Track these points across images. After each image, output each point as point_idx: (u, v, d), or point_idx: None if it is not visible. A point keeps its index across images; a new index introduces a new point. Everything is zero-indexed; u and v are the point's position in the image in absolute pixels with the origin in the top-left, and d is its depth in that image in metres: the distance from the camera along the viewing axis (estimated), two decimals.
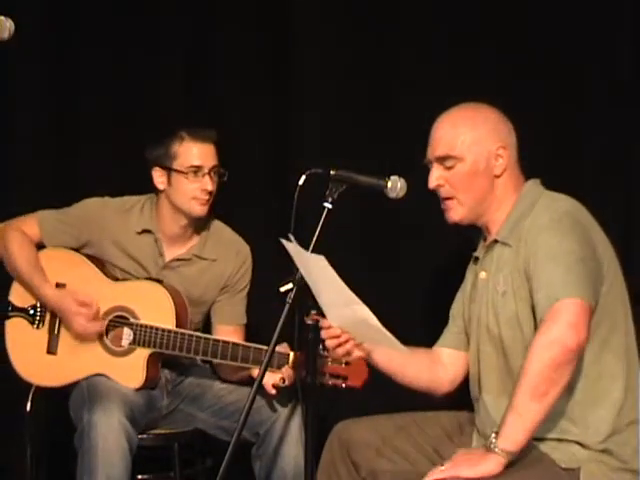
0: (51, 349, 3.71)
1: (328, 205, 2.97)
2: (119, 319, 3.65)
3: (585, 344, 2.73)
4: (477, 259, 3.09)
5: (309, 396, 2.87)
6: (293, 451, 3.53)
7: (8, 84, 4.27)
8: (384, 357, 3.07)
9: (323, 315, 2.90)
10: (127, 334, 3.63)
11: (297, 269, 2.89)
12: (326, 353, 3.05)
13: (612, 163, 3.81)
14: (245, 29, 4.26)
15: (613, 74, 3.80)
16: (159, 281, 3.68)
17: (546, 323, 2.73)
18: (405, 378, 3.12)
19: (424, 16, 4.03)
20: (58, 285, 3.71)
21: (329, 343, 2.97)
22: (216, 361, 3.61)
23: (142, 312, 3.63)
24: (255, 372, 3.48)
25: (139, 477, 3.74)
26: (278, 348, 3.38)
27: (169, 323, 3.60)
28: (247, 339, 3.68)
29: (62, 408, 3.66)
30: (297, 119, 4.20)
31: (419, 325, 3.78)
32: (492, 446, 2.72)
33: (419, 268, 3.99)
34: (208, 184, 3.63)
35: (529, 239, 2.87)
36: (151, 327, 3.59)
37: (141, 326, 3.61)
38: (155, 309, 3.62)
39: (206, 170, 3.64)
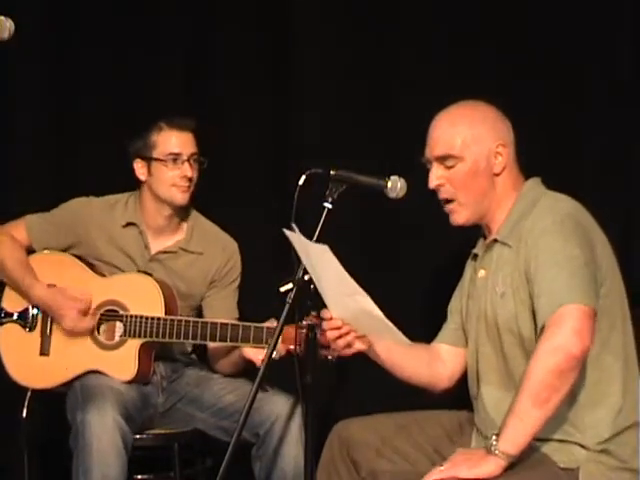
0: (44, 351, 3.73)
1: (328, 205, 2.96)
2: (110, 313, 3.68)
3: (589, 351, 2.72)
4: (476, 256, 3.08)
5: (309, 396, 2.87)
6: (293, 451, 3.54)
7: (8, 84, 4.27)
8: (384, 351, 3.06)
9: (323, 308, 2.90)
10: (119, 327, 3.67)
11: (297, 268, 2.89)
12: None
13: (612, 163, 3.81)
14: (245, 29, 4.26)
15: (613, 74, 3.79)
16: (148, 274, 3.72)
17: (550, 329, 2.71)
18: (404, 372, 3.12)
19: (424, 16, 4.03)
20: (49, 286, 3.73)
21: (330, 334, 2.95)
22: (209, 344, 3.66)
23: (132, 304, 3.67)
24: (247, 351, 3.53)
25: (139, 477, 3.74)
26: (267, 324, 3.48)
27: (158, 312, 3.63)
28: None
29: (59, 409, 3.67)
30: (297, 119, 4.20)
31: (419, 325, 3.75)
32: (492, 448, 2.71)
33: (419, 268, 3.98)
34: (187, 171, 3.70)
35: (530, 240, 2.86)
36: (140, 317, 3.63)
37: (131, 317, 3.64)
38: (144, 300, 3.66)
39: (185, 157, 3.71)
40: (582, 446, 2.82)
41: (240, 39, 4.25)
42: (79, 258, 3.79)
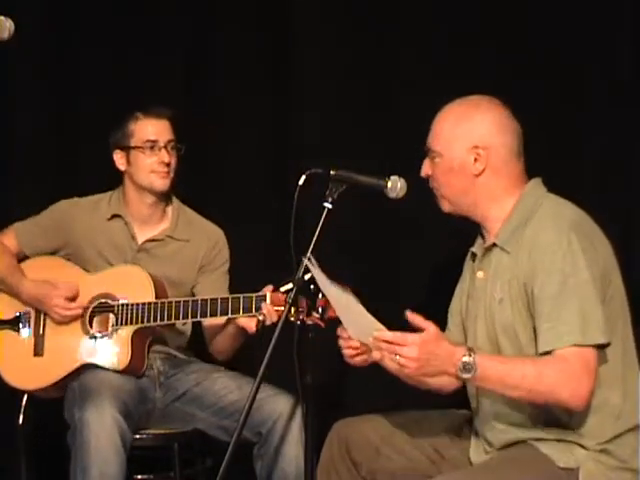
0: (38, 351, 3.75)
1: (328, 205, 2.97)
2: (101, 305, 3.70)
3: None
4: (474, 255, 3.07)
5: (309, 396, 2.87)
6: (294, 451, 3.54)
7: (8, 84, 4.27)
8: None
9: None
10: (112, 318, 3.69)
11: (297, 268, 2.90)
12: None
13: (612, 163, 3.81)
14: (245, 29, 4.27)
15: (613, 74, 3.79)
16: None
17: (563, 363, 2.73)
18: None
19: (424, 16, 4.03)
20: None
21: (346, 352, 2.99)
22: (202, 322, 3.69)
23: (122, 294, 3.69)
24: (241, 321, 3.54)
25: (139, 477, 3.74)
26: (263, 291, 3.48)
27: (149, 299, 3.65)
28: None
29: (56, 412, 3.67)
30: (297, 119, 4.20)
31: None
32: (472, 354, 2.72)
33: (419, 268, 3.99)
34: (165, 157, 3.76)
35: (533, 253, 2.82)
36: (131, 304, 3.65)
37: (121, 306, 3.67)
38: (134, 288, 3.69)
39: (162, 144, 3.77)
40: (582, 446, 2.82)
41: (240, 39, 4.25)
42: (69, 260, 3.83)
